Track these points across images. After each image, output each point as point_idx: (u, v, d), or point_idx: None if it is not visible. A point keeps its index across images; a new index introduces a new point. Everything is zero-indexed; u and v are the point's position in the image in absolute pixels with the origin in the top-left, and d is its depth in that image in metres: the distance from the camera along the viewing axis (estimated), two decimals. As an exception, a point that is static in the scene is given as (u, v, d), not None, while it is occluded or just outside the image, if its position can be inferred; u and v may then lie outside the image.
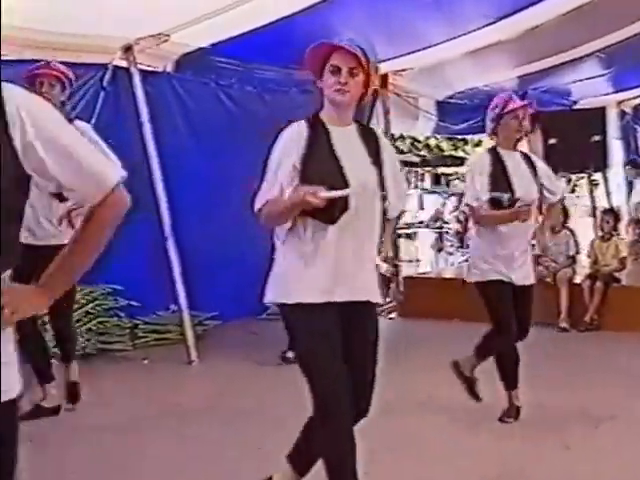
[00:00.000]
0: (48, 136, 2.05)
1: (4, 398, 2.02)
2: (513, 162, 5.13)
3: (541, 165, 5.33)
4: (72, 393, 5.57)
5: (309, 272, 3.30)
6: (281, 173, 3.30)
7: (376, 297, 3.45)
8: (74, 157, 2.10)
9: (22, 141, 2.00)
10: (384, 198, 3.37)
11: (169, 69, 8.10)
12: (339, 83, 3.29)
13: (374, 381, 3.44)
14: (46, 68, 5.38)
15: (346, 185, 3.22)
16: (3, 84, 1.99)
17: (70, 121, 5.15)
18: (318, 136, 3.34)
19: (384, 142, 3.51)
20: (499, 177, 5.04)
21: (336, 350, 3.28)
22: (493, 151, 5.17)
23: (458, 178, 17.17)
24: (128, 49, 7.30)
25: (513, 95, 5.26)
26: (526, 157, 5.24)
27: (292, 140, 3.33)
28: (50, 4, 6.19)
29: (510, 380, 5.24)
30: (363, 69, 3.29)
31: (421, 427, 5.19)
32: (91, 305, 7.30)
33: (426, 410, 5.55)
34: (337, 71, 3.29)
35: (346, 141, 3.37)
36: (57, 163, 2.07)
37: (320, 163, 3.29)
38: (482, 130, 10.52)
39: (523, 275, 5.14)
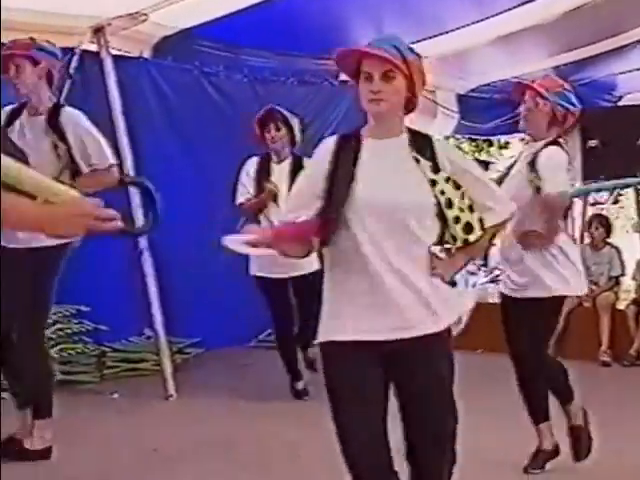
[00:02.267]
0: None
1: None
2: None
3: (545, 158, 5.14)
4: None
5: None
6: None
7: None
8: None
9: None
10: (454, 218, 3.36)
11: (146, 54, 8.10)
12: (372, 92, 3.31)
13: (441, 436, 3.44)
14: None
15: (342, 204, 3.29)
16: None
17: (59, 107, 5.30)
18: (345, 152, 3.39)
19: (443, 151, 3.44)
20: None
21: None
22: None
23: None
24: (99, 30, 7.29)
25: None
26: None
27: (318, 155, 3.45)
28: (8, -24, 6.18)
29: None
30: (401, 71, 3.29)
31: None
32: (52, 329, 7.25)
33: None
34: (369, 78, 3.31)
35: (384, 155, 3.38)
36: None
37: (338, 181, 3.34)
38: (512, 130, 10.59)
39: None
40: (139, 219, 6.89)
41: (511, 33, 8.67)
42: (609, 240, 9.38)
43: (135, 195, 6.92)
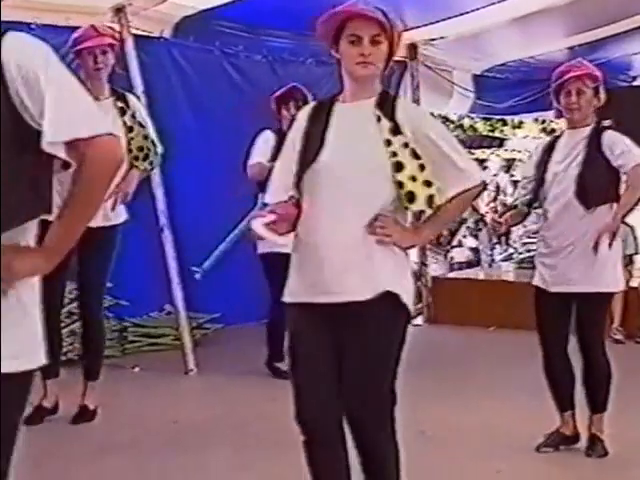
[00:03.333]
0: (32, 82, 2.21)
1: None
2: (570, 141, 5.12)
3: (610, 137, 5.17)
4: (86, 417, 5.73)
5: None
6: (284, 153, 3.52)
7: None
8: (49, 99, 2.22)
9: (13, 89, 2.20)
10: (397, 183, 3.26)
11: (167, 34, 8.11)
12: (361, 55, 3.30)
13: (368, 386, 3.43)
14: (96, 37, 5.59)
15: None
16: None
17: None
18: (319, 115, 3.43)
19: (405, 115, 3.36)
20: (539, 166, 5.08)
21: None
22: (554, 136, 5.18)
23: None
24: (119, 10, 7.29)
25: (576, 63, 5.21)
26: (597, 132, 5.16)
27: (297, 121, 3.51)
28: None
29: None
30: (387, 35, 3.30)
31: (451, 458, 5.09)
32: (74, 304, 7.29)
33: (458, 438, 5.43)
34: (358, 41, 3.29)
35: (352, 118, 3.39)
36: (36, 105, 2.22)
37: (309, 143, 3.39)
38: (526, 110, 10.57)
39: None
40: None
41: (527, 14, 8.65)
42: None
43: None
